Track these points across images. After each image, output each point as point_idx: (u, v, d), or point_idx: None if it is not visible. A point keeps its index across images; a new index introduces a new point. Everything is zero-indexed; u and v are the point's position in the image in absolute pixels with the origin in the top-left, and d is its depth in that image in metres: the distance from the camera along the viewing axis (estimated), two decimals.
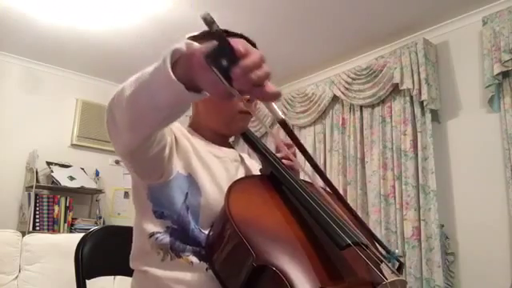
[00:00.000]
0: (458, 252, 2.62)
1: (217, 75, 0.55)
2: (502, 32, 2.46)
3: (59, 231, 3.46)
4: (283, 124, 0.61)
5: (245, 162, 1.05)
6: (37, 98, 3.76)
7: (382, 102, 3.09)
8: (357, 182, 3.14)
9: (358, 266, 0.78)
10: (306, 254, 0.75)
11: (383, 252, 0.82)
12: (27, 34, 3.24)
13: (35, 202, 3.41)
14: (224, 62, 0.54)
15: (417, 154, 2.77)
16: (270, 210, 0.84)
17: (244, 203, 0.81)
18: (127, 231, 0.97)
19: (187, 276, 0.82)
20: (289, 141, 0.75)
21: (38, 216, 3.41)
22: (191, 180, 0.87)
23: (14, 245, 2.70)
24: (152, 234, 0.86)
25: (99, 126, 3.99)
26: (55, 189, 3.57)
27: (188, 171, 0.88)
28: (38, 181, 3.46)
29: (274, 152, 1.02)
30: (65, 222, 3.53)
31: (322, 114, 3.54)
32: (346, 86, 3.29)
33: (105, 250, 1.16)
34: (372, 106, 3.16)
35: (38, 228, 3.37)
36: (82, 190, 3.68)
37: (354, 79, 3.25)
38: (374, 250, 0.79)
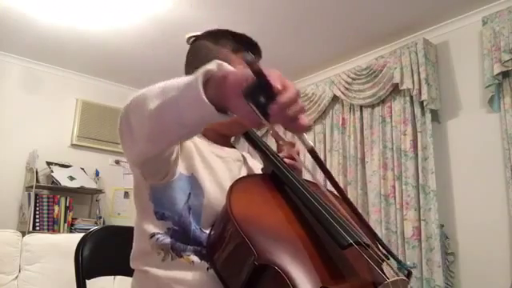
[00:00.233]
0: (458, 252, 2.62)
1: (253, 110, 0.57)
2: (502, 32, 2.46)
3: (59, 231, 3.46)
4: (312, 151, 0.63)
5: (247, 162, 1.05)
6: (37, 97, 3.76)
7: (382, 102, 3.09)
8: (357, 182, 3.14)
9: (359, 265, 0.78)
10: (307, 253, 0.75)
11: (389, 255, 0.82)
12: (27, 33, 3.24)
13: (35, 202, 3.41)
14: (262, 99, 0.56)
15: (417, 154, 2.77)
16: (272, 208, 0.84)
17: (245, 202, 0.81)
18: (127, 231, 0.97)
19: (188, 275, 0.82)
20: (291, 140, 0.76)
21: (38, 216, 3.41)
22: (194, 180, 0.87)
23: (13, 245, 2.70)
24: (153, 235, 0.86)
25: (99, 126, 3.99)
26: (55, 189, 3.57)
27: (191, 172, 0.88)
28: (38, 181, 3.45)
29: (275, 151, 1.02)
30: (65, 221, 3.53)
31: (322, 114, 3.54)
32: (346, 86, 3.29)
33: (105, 249, 1.16)
34: (372, 106, 3.16)
35: (38, 228, 3.37)
36: (81, 190, 3.68)
37: (353, 79, 3.25)
38: (376, 250, 0.79)
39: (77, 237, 1.26)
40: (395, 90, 2.99)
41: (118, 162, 4.01)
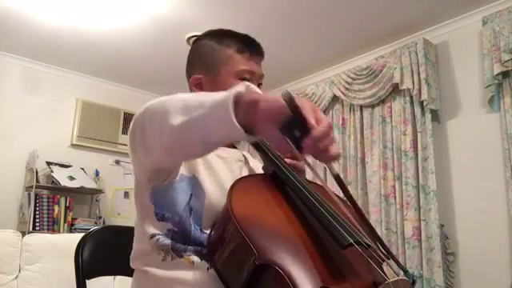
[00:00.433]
0: (458, 252, 2.63)
1: (288, 143, 0.59)
2: (502, 32, 2.46)
3: (59, 231, 3.46)
4: (337, 178, 0.65)
5: (248, 162, 1.05)
6: (37, 97, 3.76)
7: (382, 102, 3.09)
8: (357, 182, 3.14)
9: (360, 265, 0.78)
10: (308, 252, 0.75)
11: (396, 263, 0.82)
12: (27, 33, 3.24)
13: (35, 202, 3.41)
14: (296, 132, 0.58)
15: (417, 154, 2.77)
16: (273, 208, 0.84)
17: (246, 202, 0.81)
18: (127, 231, 0.97)
19: (188, 275, 0.82)
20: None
21: (37, 216, 3.41)
22: (195, 181, 0.87)
23: (13, 245, 2.70)
24: (153, 236, 0.85)
25: (99, 126, 3.99)
26: (55, 189, 3.57)
27: (192, 173, 0.88)
28: (37, 181, 3.45)
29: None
30: (65, 222, 3.53)
31: None
32: (346, 86, 3.29)
33: (105, 249, 1.16)
34: (372, 106, 3.16)
35: (37, 228, 3.37)
36: (81, 190, 3.68)
37: (353, 79, 3.25)
38: (377, 250, 0.79)
39: (77, 237, 1.26)
40: (395, 90, 2.99)
41: (118, 162, 4.01)
